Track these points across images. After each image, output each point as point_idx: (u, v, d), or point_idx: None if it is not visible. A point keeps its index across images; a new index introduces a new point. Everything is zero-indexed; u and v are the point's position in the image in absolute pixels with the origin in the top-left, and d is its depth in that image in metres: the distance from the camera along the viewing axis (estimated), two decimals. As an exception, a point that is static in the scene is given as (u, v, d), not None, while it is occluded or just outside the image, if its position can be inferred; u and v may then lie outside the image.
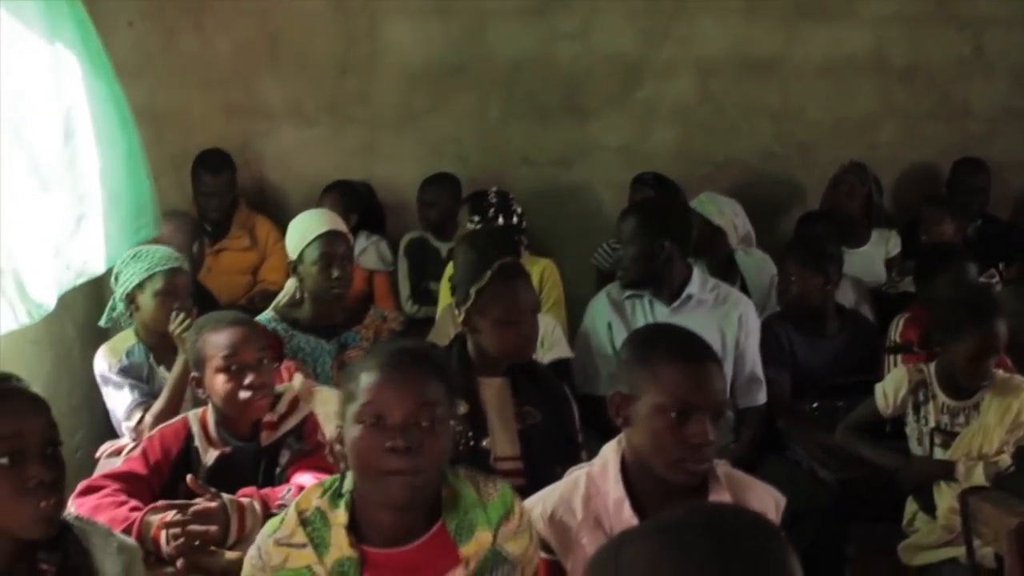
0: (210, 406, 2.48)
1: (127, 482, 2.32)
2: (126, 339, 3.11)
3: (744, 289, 3.75)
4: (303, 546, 1.71)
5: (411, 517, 1.73)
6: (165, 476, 2.38)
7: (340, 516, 1.72)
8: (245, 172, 4.65)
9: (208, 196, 4.40)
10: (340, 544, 1.70)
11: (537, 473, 2.35)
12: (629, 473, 1.92)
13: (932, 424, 2.88)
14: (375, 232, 4.54)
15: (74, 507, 2.18)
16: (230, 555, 2.15)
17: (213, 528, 2.17)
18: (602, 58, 4.81)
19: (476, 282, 2.54)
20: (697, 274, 3.35)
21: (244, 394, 2.39)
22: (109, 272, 3.15)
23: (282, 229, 3.65)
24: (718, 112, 4.91)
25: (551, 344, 3.23)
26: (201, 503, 2.20)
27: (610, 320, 3.32)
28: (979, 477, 2.71)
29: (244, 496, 2.26)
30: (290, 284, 3.22)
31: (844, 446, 3.03)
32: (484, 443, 2.48)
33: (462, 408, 2.46)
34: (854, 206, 4.60)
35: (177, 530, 2.14)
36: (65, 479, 1.64)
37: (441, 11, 4.70)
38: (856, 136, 4.96)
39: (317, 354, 3.10)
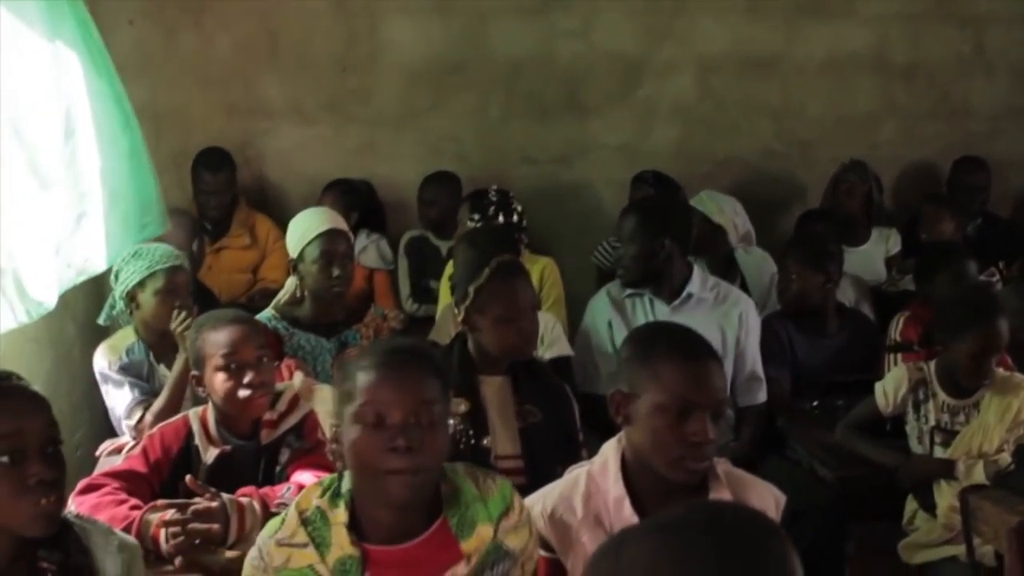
0: (210, 404, 2.48)
1: (127, 480, 2.32)
2: (126, 337, 3.11)
3: (744, 287, 3.75)
4: (304, 546, 1.71)
5: (411, 514, 1.73)
6: (165, 474, 2.38)
7: (340, 515, 1.72)
8: (245, 170, 4.65)
9: (208, 194, 4.40)
10: (341, 543, 1.70)
11: (537, 472, 2.34)
12: (629, 471, 1.92)
13: (932, 422, 2.88)
14: (375, 230, 4.54)
15: (74, 505, 2.18)
16: (229, 554, 2.15)
17: (216, 526, 2.17)
18: (602, 56, 4.81)
19: (475, 280, 2.54)
20: (697, 272, 3.35)
21: (243, 392, 2.39)
22: (109, 270, 3.15)
23: (282, 227, 3.65)
24: (719, 110, 4.91)
25: (551, 342, 3.24)
26: (201, 502, 2.20)
27: (610, 319, 3.32)
28: (979, 475, 2.71)
29: (243, 496, 2.25)
30: (290, 282, 3.22)
31: (844, 444, 3.03)
32: (485, 442, 2.48)
33: (463, 407, 2.46)
34: (854, 204, 4.60)
35: (176, 529, 2.14)
36: (65, 477, 1.65)
37: (441, 10, 4.70)
38: (856, 134, 4.96)
39: (317, 352, 3.10)
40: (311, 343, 3.11)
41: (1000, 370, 2.87)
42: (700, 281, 3.32)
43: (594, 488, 1.93)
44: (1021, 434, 2.79)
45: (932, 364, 2.92)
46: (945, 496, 2.76)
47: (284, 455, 2.44)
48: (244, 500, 2.24)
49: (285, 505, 2.13)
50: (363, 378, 1.69)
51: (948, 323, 2.86)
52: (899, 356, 3.42)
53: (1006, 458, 2.76)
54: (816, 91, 4.95)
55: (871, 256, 4.51)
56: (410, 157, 4.74)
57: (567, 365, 3.25)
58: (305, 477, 2.32)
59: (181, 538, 2.14)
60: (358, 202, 4.48)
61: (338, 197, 4.36)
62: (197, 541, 2.15)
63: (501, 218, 3.63)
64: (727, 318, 3.29)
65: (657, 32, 4.82)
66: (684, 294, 3.29)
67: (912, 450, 2.92)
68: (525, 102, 4.80)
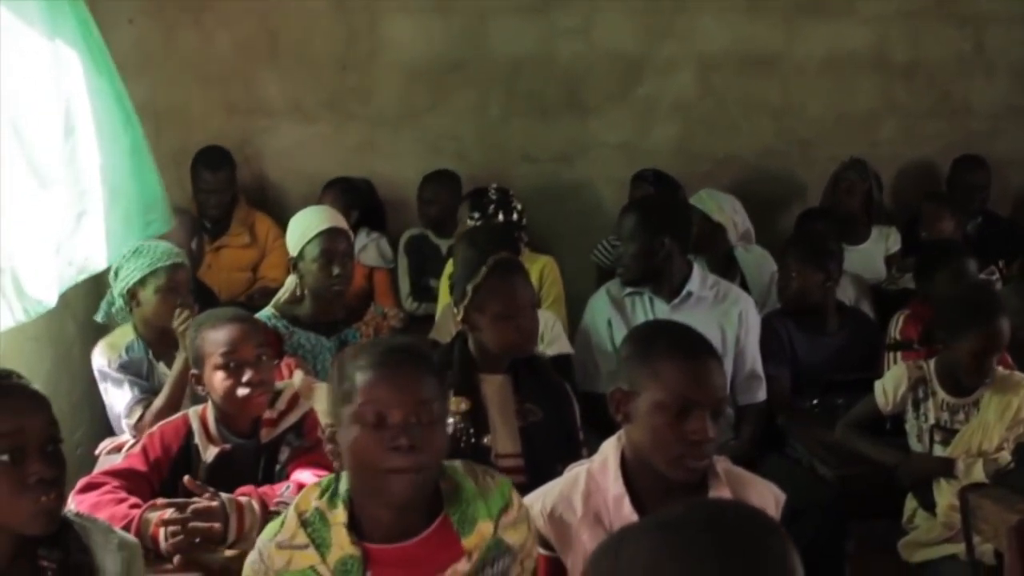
0: (210, 403, 2.48)
1: (127, 479, 2.32)
2: (125, 335, 3.11)
3: (744, 286, 3.75)
4: (305, 547, 1.71)
5: (411, 513, 1.73)
6: (165, 473, 2.38)
7: (339, 515, 1.72)
8: (245, 169, 4.65)
9: (208, 193, 4.40)
10: (341, 543, 1.70)
11: (538, 470, 2.34)
12: (629, 469, 1.92)
13: (932, 421, 2.88)
14: (375, 229, 4.54)
15: (74, 504, 2.18)
16: (228, 552, 2.16)
17: (215, 525, 2.17)
18: (602, 55, 4.81)
19: (473, 279, 2.54)
20: (697, 271, 3.35)
21: (243, 391, 2.39)
22: (109, 268, 3.15)
23: (282, 226, 3.65)
24: (719, 109, 4.92)
25: (551, 340, 3.23)
26: (201, 501, 2.20)
27: (610, 317, 3.32)
28: (979, 474, 2.71)
29: (242, 495, 2.25)
30: (290, 281, 3.22)
31: (844, 443, 3.03)
32: (485, 440, 2.48)
33: (464, 405, 2.46)
34: (854, 203, 4.60)
35: (176, 528, 2.14)
36: (65, 476, 1.65)
37: (441, 8, 4.70)
38: (856, 133, 4.96)
39: (317, 351, 3.10)
40: (311, 342, 3.11)
41: (1000, 368, 2.87)
42: (700, 279, 3.32)
43: (594, 486, 1.93)
44: (1021, 432, 2.79)
45: (932, 362, 2.92)
46: (945, 494, 2.76)
47: (284, 454, 2.44)
48: (243, 499, 2.23)
49: (284, 504, 2.13)
50: (361, 378, 1.69)
51: (949, 322, 2.86)
52: (899, 354, 3.42)
53: (1006, 456, 2.75)
54: (816, 90, 4.95)
55: (871, 254, 4.51)
56: (410, 155, 4.74)
57: (567, 363, 3.25)
58: (305, 476, 2.32)
59: (180, 537, 2.14)
60: (358, 200, 4.48)
61: (338, 195, 4.36)
62: (196, 540, 2.15)
63: (501, 217, 3.63)
64: (727, 316, 3.29)
65: (657, 31, 4.82)
66: (684, 292, 3.29)
67: (912, 448, 2.92)
68: (525, 100, 4.80)
